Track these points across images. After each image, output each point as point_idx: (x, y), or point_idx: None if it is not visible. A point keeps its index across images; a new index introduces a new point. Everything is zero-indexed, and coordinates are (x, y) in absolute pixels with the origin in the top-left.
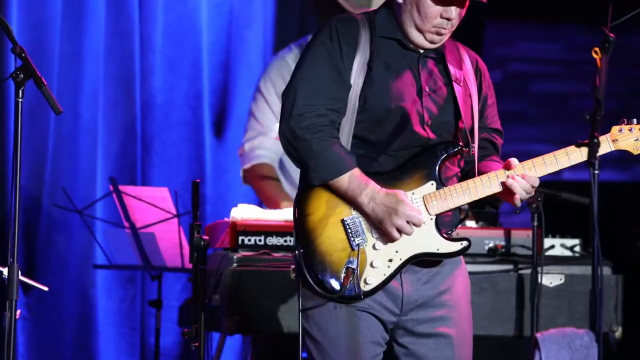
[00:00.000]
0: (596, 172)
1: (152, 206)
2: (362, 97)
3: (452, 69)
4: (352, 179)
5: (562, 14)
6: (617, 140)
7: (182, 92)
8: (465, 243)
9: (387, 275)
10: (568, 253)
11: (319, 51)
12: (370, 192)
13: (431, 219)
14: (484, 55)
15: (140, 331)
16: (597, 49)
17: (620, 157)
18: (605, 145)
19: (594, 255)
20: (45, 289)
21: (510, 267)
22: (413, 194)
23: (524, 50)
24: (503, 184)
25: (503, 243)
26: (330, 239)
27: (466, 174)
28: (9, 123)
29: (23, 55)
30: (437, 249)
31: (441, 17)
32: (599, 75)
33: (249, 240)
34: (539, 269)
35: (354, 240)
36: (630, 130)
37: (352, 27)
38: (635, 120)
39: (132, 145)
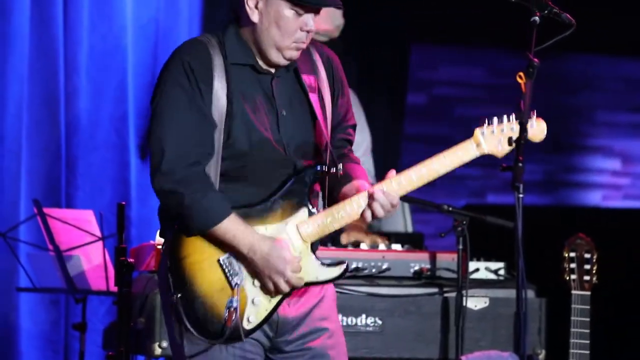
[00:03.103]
0: (520, 195)
1: (77, 229)
2: (226, 132)
3: (306, 78)
4: (229, 228)
5: (486, 38)
6: (480, 144)
7: (107, 114)
8: (343, 266)
9: (269, 310)
10: (492, 276)
11: (176, 94)
12: (250, 242)
13: (307, 247)
14: (408, 78)
15: (64, 354)
16: (521, 73)
17: (544, 181)
18: (471, 151)
19: (518, 279)
20: None
21: (435, 290)
22: (286, 224)
23: (448, 74)
24: (368, 204)
25: (428, 266)
26: (208, 280)
27: (331, 189)
28: None
29: None
30: (317, 277)
31: (301, 30)
32: (524, 99)
33: None
34: (463, 292)
35: (232, 279)
36: (492, 132)
37: (204, 59)
38: (496, 120)
39: (57, 167)
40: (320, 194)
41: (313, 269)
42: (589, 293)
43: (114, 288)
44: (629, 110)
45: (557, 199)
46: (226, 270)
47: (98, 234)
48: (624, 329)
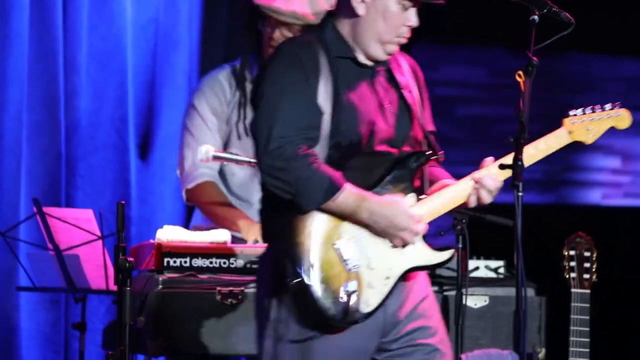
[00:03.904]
0: (520, 194)
1: (77, 228)
2: (334, 122)
3: (399, 77)
4: (346, 195)
5: (487, 38)
6: (572, 132)
7: (107, 114)
8: (452, 251)
9: (385, 293)
10: (492, 275)
11: (284, 82)
12: (369, 205)
13: None
14: None
15: (64, 354)
16: (520, 72)
17: (544, 180)
18: (564, 138)
19: (518, 277)
20: None
21: (435, 288)
22: None
23: (450, 74)
24: (475, 188)
25: None
26: (325, 264)
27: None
28: None
29: None
30: (428, 261)
31: (404, 25)
32: (523, 98)
33: (175, 262)
34: (463, 290)
35: (348, 263)
36: (581, 120)
37: (311, 51)
38: (583, 109)
39: (57, 168)
40: (419, 181)
41: (424, 252)
42: (588, 291)
43: (113, 287)
44: (629, 109)
45: (557, 198)
46: (342, 255)
47: (98, 233)
48: (624, 327)
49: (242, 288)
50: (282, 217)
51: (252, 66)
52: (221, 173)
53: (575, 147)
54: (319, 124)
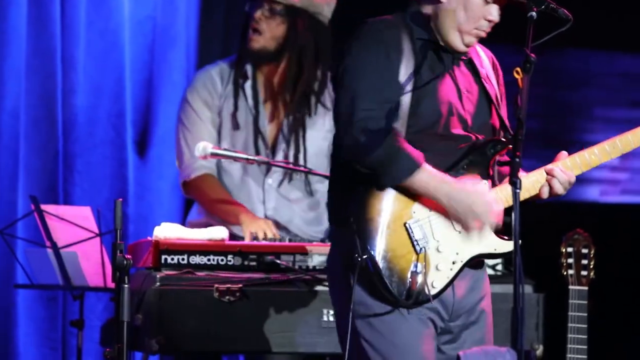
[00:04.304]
0: (518, 190)
1: (74, 225)
2: (413, 102)
3: (480, 69)
4: (426, 176)
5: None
6: None
7: (104, 111)
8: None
9: (450, 278)
10: (490, 272)
11: (367, 56)
12: (448, 188)
13: None
14: None
15: (61, 351)
16: (518, 69)
17: None
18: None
19: (516, 274)
20: None
21: None
22: None
23: None
24: (547, 180)
25: None
26: (394, 243)
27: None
28: None
29: None
30: (495, 249)
31: (484, 18)
32: (521, 95)
33: (172, 259)
34: None
35: (417, 243)
36: None
37: (394, 31)
38: None
39: (54, 164)
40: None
41: (491, 240)
42: (586, 288)
43: (111, 284)
44: (626, 106)
45: None
46: (412, 235)
47: (95, 230)
48: (622, 324)
49: (239, 285)
50: (353, 194)
51: (245, 63)
52: (219, 167)
53: (572, 145)
54: (399, 101)
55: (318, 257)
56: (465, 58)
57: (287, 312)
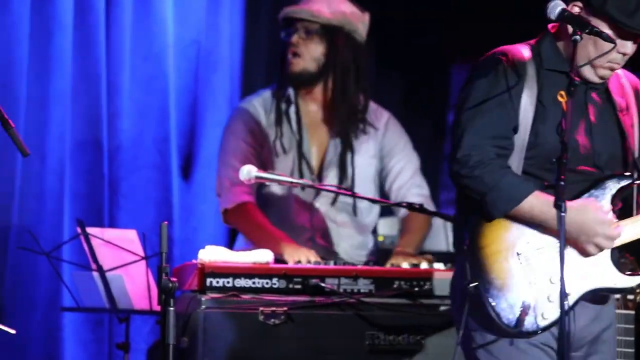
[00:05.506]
0: (563, 214)
1: (120, 248)
2: (533, 133)
3: (617, 99)
4: (535, 203)
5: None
6: None
7: (149, 135)
8: None
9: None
10: None
11: (485, 89)
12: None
13: (607, 251)
14: (449, 98)
15: None
16: (562, 92)
17: None
18: None
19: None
20: (12, 331)
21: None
22: None
23: None
24: None
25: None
26: (505, 272)
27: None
28: None
29: None
30: (615, 284)
31: (617, 52)
32: (565, 118)
33: (217, 282)
34: None
35: (529, 273)
36: None
37: (518, 61)
38: None
39: (100, 188)
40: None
41: (612, 274)
42: (633, 312)
43: (157, 307)
44: None
45: None
46: (524, 264)
47: (141, 253)
48: None
49: (284, 308)
50: (468, 221)
51: (286, 90)
52: (258, 197)
53: None
54: (512, 134)
55: (363, 280)
56: (599, 89)
57: (331, 335)
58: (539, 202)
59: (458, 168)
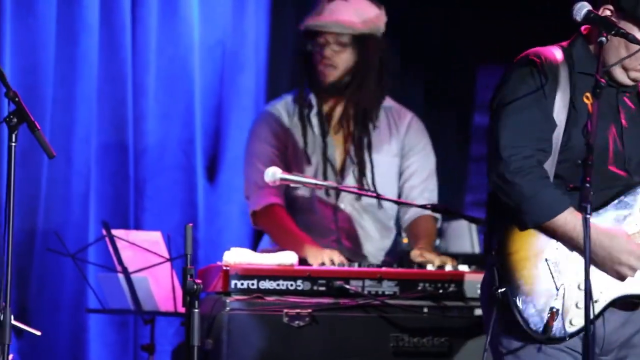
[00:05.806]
0: (588, 216)
1: (145, 250)
2: (566, 136)
3: None
4: (570, 219)
5: None
6: None
7: (174, 136)
8: None
9: (590, 317)
10: None
11: (520, 91)
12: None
13: None
14: (475, 99)
15: None
16: (588, 94)
17: None
18: None
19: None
20: (38, 333)
21: None
22: None
23: None
24: None
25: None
26: (534, 278)
27: None
28: (2, 167)
29: (16, 99)
30: None
31: None
32: (591, 120)
33: (242, 284)
34: None
35: (558, 280)
36: None
37: (551, 64)
38: None
39: (125, 189)
40: None
41: None
42: None
43: (181, 309)
44: None
45: None
46: (552, 270)
47: (166, 255)
48: None
49: (309, 310)
50: (498, 225)
51: (307, 95)
52: (288, 198)
53: None
54: (551, 136)
55: (387, 282)
56: (631, 93)
57: (355, 337)
58: (572, 219)
59: (501, 169)
